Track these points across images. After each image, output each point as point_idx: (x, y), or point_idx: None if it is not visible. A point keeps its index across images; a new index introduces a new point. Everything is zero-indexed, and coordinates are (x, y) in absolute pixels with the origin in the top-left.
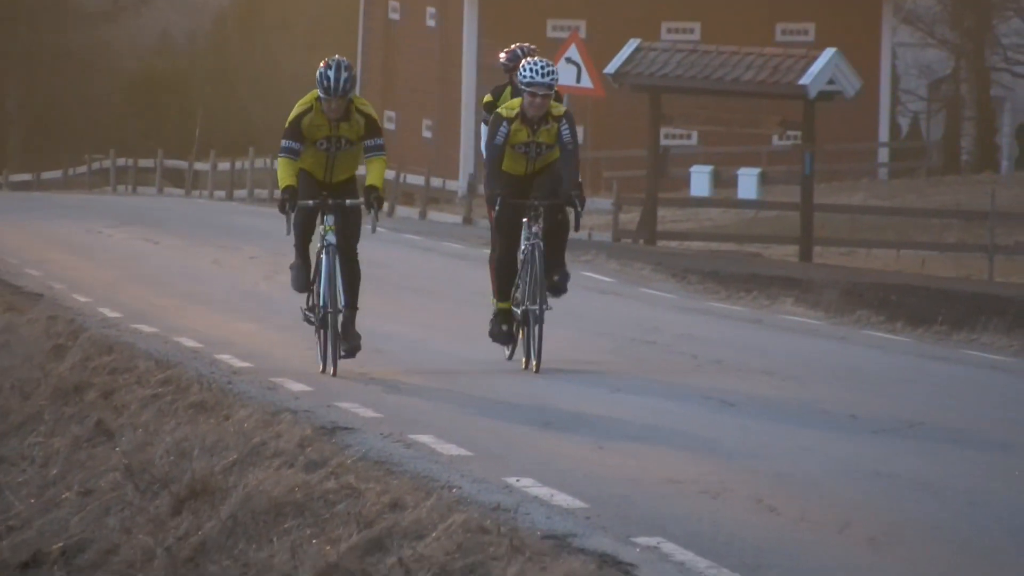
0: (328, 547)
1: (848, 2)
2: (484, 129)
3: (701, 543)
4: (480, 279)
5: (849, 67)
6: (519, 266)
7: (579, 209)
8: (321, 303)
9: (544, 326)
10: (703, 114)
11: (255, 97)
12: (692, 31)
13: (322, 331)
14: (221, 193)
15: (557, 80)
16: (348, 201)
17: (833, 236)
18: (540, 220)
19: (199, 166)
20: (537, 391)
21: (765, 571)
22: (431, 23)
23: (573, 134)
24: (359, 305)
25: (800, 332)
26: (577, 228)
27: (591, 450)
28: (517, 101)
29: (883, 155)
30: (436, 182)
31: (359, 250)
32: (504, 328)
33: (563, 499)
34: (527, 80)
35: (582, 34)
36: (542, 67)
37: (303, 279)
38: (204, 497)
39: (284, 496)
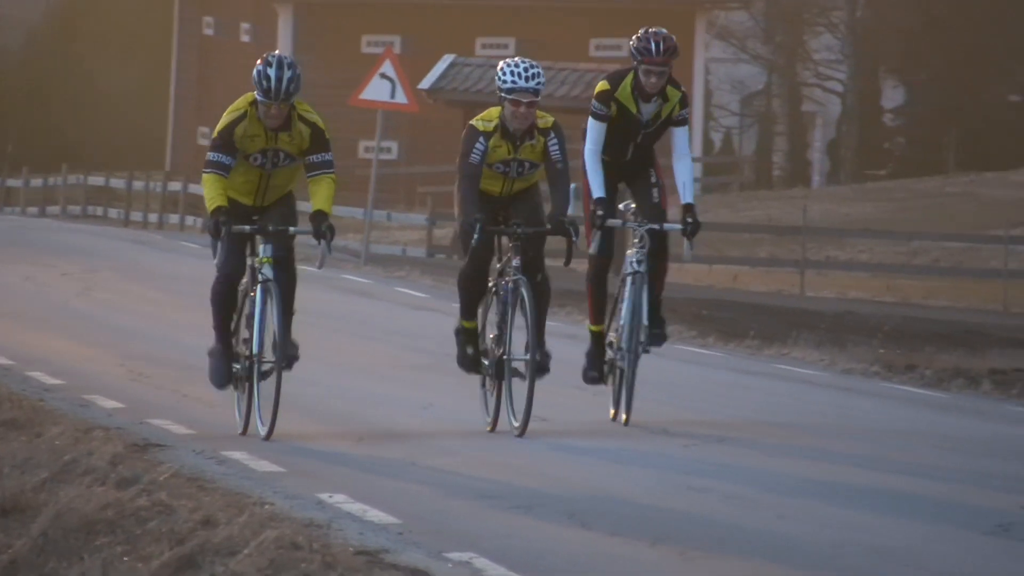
0: (140, 564)
1: (661, 18)
2: (592, 124)
3: (513, 558)
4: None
5: None
6: (491, 302)
7: (574, 239)
8: (253, 351)
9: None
10: None
11: (69, 113)
12: (507, 46)
13: (247, 384)
14: (34, 209)
15: (544, 84)
16: (292, 228)
17: None
18: (520, 252)
19: (11, 182)
20: (349, 407)
21: None
22: (246, 38)
23: (563, 149)
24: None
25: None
26: (568, 262)
27: (404, 466)
28: (495, 111)
29: (697, 170)
30: None
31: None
32: (471, 351)
33: (376, 515)
34: (508, 85)
35: (397, 50)
36: (526, 68)
37: (225, 371)
38: (15, 515)
39: (96, 513)
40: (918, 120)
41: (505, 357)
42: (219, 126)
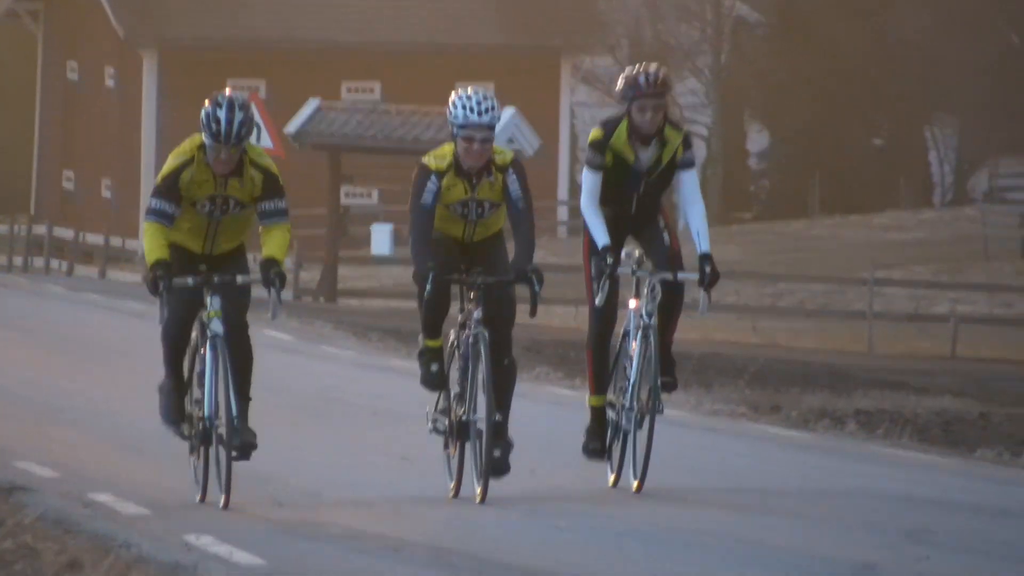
0: None
1: (527, 62)
2: (586, 175)
3: None
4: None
5: (528, 126)
6: (452, 359)
7: (536, 288)
8: (205, 413)
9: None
10: (384, 172)
11: None
12: (373, 90)
13: (203, 448)
14: None
15: (499, 118)
16: (240, 277)
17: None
18: (481, 303)
19: None
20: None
21: None
22: (111, 83)
23: (524, 188)
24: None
25: None
26: (533, 314)
27: (271, 507)
28: (449, 147)
29: (563, 213)
30: (116, 241)
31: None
32: (435, 368)
33: (243, 556)
34: (459, 121)
35: (262, 94)
36: (478, 102)
37: (175, 406)
38: None
39: None
40: (782, 164)
41: (465, 418)
42: (163, 171)
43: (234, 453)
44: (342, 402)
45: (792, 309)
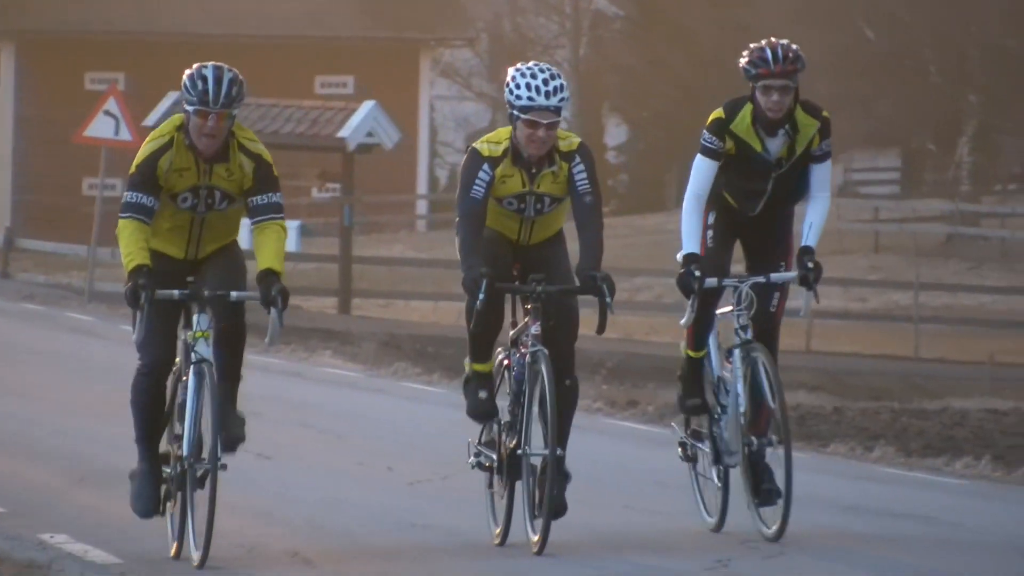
0: None
1: (387, 56)
2: (699, 162)
3: None
4: (32, 336)
5: (388, 119)
6: (501, 381)
7: (608, 299)
8: (184, 452)
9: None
10: None
11: None
12: None
13: (179, 494)
14: None
15: (567, 99)
16: (233, 293)
17: (372, 288)
18: (540, 316)
19: None
20: (71, 446)
21: None
22: None
23: (593, 179)
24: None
25: (339, 384)
26: (601, 330)
27: (126, 506)
28: (505, 132)
29: (422, 207)
30: None
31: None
32: (483, 396)
33: (97, 555)
34: (522, 102)
35: (121, 86)
36: (545, 81)
37: (149, 496)
38: None
39: None
40: (641, 157)
41: (520, 451)
42: (138, 158)
43: (220, 450)
44: None
45: (650, 304)
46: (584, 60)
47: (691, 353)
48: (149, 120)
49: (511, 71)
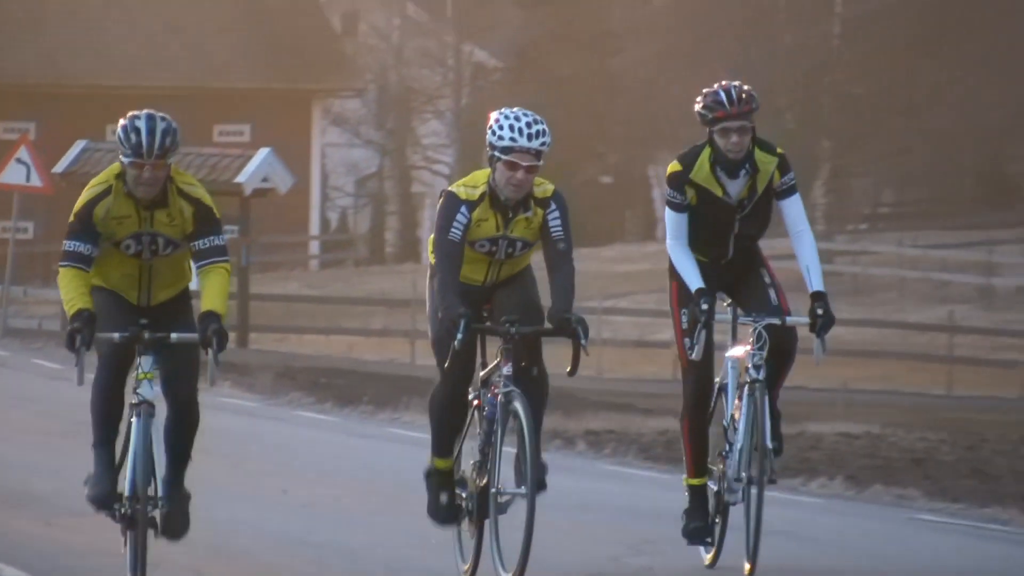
0: None
1: (281, 106)
2: (669, 215)
3: None
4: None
5: (283, 165)
6: (471, 418)
7: (583, 341)
8: (127, 491)
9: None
10: None
11: None
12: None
13: (129, 532)
14: None
15: (549, 145)
16: (174, 335)
17: (269, 323)
18: (512, 357)
19: None
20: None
21: None
22: None
23: (566, 225)
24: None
25: (237, 413)
26: (574, 371)
27: (39, 525)
28: (482, 175)
29: (315, 247)
30: None
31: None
32: (444, 499)
33: (12, 572)
34: (504, 143)
35: (32, 135)
36: (528, 124)
37: (107, 484)
38: None
39: None
40: None
41: (493, 490)
42: (76, 207)
43: (158, 532)
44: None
45: None
46: (466, 109)
47: (692, 482)
48: (58, 167)
49: (495, 114)
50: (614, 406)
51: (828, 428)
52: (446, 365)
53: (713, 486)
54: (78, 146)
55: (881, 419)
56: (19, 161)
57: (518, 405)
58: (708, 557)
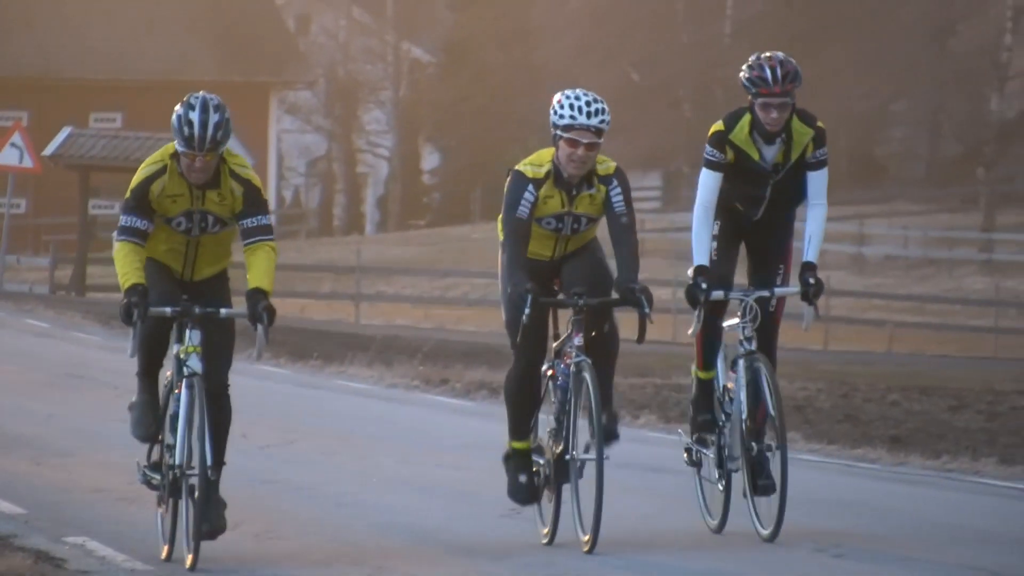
0: None
1: (242, 96)
2: (704, 174)
3: (120, 541)
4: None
5: (244, 148)
6: (546, 391)
7: (646, 310)
8: (176, 460)
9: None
10: (125, 188)
11: None
12: (115, 120)
13: (171, 500)
14: None
15: (609, 123)
16: (223, 311)
17: (233, 287)
18: (582, 327)
19: None
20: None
21: (171, 562)
22: None
23: (628, 201)
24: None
25: None
26: (641, 339)
27: (29, 464)
28: (547, 153)
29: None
30: None
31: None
32: (523, 480)
33: (5, 506)
34: (564, 121)
35: (25, 123)
36: (588, 103)
37: (148, 422)
38: None
39: None
40: (450, 178)
41: (568, 456)
42: (132, 183)
43: (204, 531)
44: (88, 378)
45: (458, 299)
46: (403, 99)
47: (701, 374)
48: (47, 151)
49: (557, 95)
50: None
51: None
52: (518, 339)
53: (711, 455)
54: (64, 132)
55: None
56: (13, 145)
57: (586, 375)
58: (714, 523)
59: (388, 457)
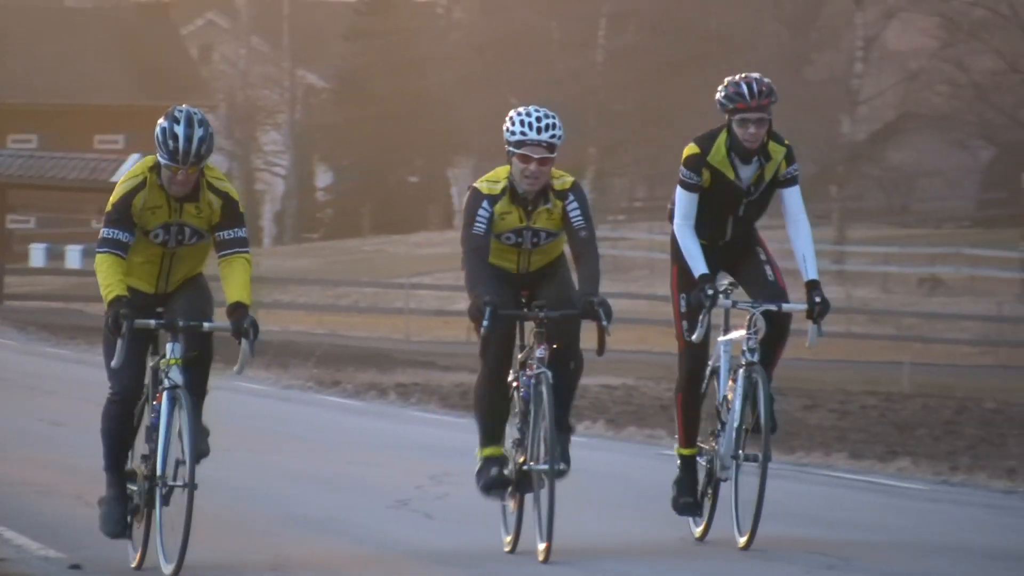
0: None
1: (149, 119)
2: (680, 195)
3: (35, 530)
4: None
5: None
6: (512, 401)
7: (605, 323)
8: (159, 471)
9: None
10: (40, 203)
11: None
12: (31, 141)
13: (146, 510)
14: None
15: (561, 138)
16: (206, 324)
17: None
18: (545, 340)
19: None
20: None
21: (84, 550)
22: None
23: (586, 215)
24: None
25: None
26: (601, 351)
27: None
28: (503, 170)
29: None
30: None
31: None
32: (495, 472)
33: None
34: (515, 137)
35: None
36: (539, 118)
37: (117, 518)
38: None
39: None
40: (343, 195)
41: (526, 467)
42: (113, 196)
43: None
44: (6, 380)
45: (349, 306)
46: (299, 122)
47: (684, 452)
48: None
49: (510, 113)
50: (419, 363)
51: (592, 381)
52: (479, 351)
53: (703, 462)
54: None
55: (635, 374)
56: None
57: (544, 389)
58: (699, 531)
59: (284, 453)
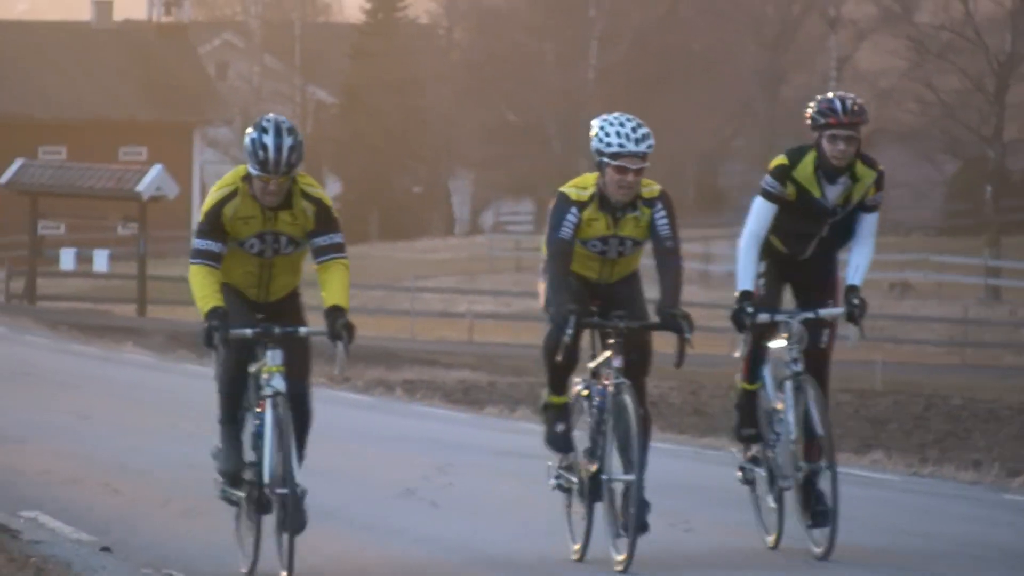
0: None
1: (170, 132)
2: (758, 203)
3: (67, 515)
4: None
5: (171, 178)
6: (583, 404)
7: (686, 335)
8: (265, 479)
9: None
10: (69, 211)
11: None
12: (60, 152)
13: (258, 517)
14: None
15: (653, 147)
16: (302, 329)
17: (161, 297)
18: (621, 351)
19: None
20: None
21: (112, 534)
22: None
23: (673, 224)
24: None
25: (137, 366)
26: (679, 363)
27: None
28: (591, 177)
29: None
30: None
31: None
32: (560, 428)
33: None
34: (612, 149)
35: None
36: (634, 128)
37: (235, 459)
38: None
39: None
40: (351, 204)
41: (604, 476)
42: (205, 206)
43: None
44: (37, 376)
45: (358, 308)
46: (309, 136)
47: (746, 385)
48: (3, 179)
49: (597, 121)
50: (424, 361)
51: None
52: (557, 358)
53: (762, 472)
54: (17, 163)
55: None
56: None
57: (626, 397)
58: (771, 540)
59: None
